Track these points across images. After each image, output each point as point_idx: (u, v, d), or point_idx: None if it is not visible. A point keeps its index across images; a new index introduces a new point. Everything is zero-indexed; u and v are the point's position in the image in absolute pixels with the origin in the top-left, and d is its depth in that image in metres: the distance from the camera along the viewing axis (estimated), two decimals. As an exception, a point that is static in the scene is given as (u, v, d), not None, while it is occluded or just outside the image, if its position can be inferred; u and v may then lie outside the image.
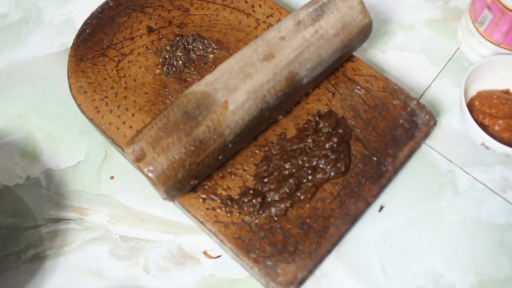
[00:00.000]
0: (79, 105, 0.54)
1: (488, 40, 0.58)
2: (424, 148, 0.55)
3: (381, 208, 0.50)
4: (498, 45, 0.58)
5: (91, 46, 0.57)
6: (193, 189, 0.48)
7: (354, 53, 0.59)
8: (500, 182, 0.54)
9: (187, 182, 0.45)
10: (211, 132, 0.44)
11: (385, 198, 0.52)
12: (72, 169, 0.55)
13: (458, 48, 0.63)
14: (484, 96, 0.57)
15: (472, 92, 0.58)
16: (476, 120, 0.55)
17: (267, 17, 0.58)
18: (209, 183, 0.49)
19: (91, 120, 0.53)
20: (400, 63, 0.62)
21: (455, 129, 0.57)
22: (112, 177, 0.54)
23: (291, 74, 0.47)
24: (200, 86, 0.46)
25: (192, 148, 0.43)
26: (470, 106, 0.56)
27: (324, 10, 0.50)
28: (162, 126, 0.44)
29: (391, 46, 0.63)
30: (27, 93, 0.60)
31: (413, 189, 0.53)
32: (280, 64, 0.47)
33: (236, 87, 0.45)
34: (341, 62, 0.54)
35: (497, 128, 0.54)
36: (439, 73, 0.61)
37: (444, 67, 0.62)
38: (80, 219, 0.52)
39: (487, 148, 0.54)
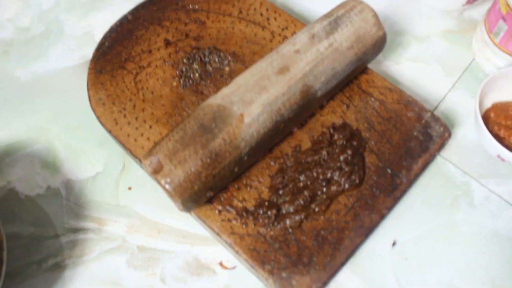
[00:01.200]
0: (98, 117, 0.55)
1: (503, 51, 0.58)
2: (439, 160, 0.55)
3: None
4: (514, 56, 0.58)
5: (110, 59, 0.59)
6: (209, 201, 0.49)
7: (369, 65, 0.60)
8: (516, 195, 0.54)
9: (203, 194, 0.46)
10: (227, 145, 0.44)
11: (399, 210, 0.52)
12: (91, 179, 0.56)
13: (473, 59, 0.63)
14: (500, 108, 0.56)
15: (488, 104, 0.57)
16: (491, 131, 0.55)
17: (282, 29, 0.59)
18: (225, 195, 0.49)
19: (109, 131, 0.54)
20: (415, 75, 0.62)
21: (471, 140, 0.57)
22: (130, 188, 0.55)
23: (305, 87, 0.48)
24: (216, 99, 0.47)
25: (208, 160, 0.44)
26: (486, 117, 0.56)
27: (338, 23, 0.50)
28: (179, 139, 0.45)
29: (406, 57, 0.64)
30: (48, 105, 0.61)
31: (427, 201, 0.53)
32: (295, 77, 0.47)
33: (251, 100, 0.46)
34: (356, 75, 0.54)
35: (511, 142, 0.54)
36: (454, 84, 0.61)
37: (459, 78, 0.62)
38: (98, 229, 0.53)
39: (503, 160, 0.53)
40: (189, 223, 0.53)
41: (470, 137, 0.57)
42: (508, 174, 0.55)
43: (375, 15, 0.51)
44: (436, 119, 0.53)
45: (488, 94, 0.57)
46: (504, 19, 0.55)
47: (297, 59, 0.48)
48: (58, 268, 0.51)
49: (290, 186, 0.48)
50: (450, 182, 0.54)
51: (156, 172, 0.44)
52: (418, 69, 0.63)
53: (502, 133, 0.55)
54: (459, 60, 0.63)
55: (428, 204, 0.53)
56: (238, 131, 0.45)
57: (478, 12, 0.67)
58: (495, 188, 0.54)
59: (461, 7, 0.64)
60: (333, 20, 0.50)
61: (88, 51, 0.65)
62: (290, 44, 0.50)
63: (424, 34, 0.66)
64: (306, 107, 0.49)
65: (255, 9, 0.61)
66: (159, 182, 0.44)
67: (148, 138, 0.53)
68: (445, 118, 0.59)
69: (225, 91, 0.47)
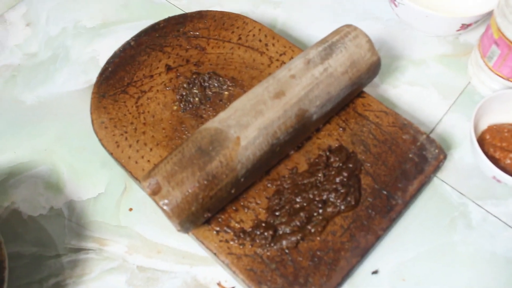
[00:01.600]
0: (100, 140, 0.56)
1: (497, 74, 0.59)
2: (435, 182, 0.56)
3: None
4: (508, 79, 0.59)
5: (113, 84, 0.60)
6: (207, 222, 0.50)
7: (366, 89, 0.61)
8: (513, 216, 0.54)
9: (200, 215, 0.47)
10: (223, 167, 0.45)
11: (397, 231, 0.53)
12: (93, 200, 0.57)
13: (469, 83, 0.64)
14: (495, 130, 0.57)
15: (483, 126, 0.58)
16: (487, 153, 0.56)
17: (280, 55, 0.61)
18: (222, 216, 0.50)
19: (111, 154, 0.55)
20: (412, 98, 0.63)
21: (467, 162, 0.58)
22: (130, 209, 0.56)
23: (301, 111, 0.49)
24: (214, 123, 0.48)
25: (205, 182, 0.45)
26: (481, 139, 0.57)
27: (333, 49, 0.52)
28: (177, 161, 0.46)
29: (403, 81, 0.65)
30: (53, 127, 0.63)
31: (425, 222, 0.54)
32: (290, 101, 0.49)
33: (248, 124, 0.47)
34: (351, 98, 0.55)
35: (508, 161, 0.55)
36: (450, 107, 0.62)
37: (455, 101, 0.63)
38: (99, 250, 0.54)
39: (499, 181, 0.54)
40: (188, 243, 0.54)
41: (466, 159, 0.58)
42: (505, 195, 0.55)
43: (369, 41, 0.52)
44: (431, 141, 0.53)
45: (483, 116, 0.58)
46: (497, 44, 0.56)
47: (293, 83, 0.49)
48: (59, 287, 0.52)
49: (287, 207, 0.49)
50: (447, 204, 0.55)
51: (154, 193, 0.45)
52: (415, 92, 0.64)
53: (497, 154, 0.55)
54: (455, 84, 0.65)
55: (425, 226, 0.54)
56: (235, 154, 0.46)
57: (473, 36, 0.68)
58: (492, 209, 0.55)
59: (455, 32, 0.65)
60: (328, 46, 0.52)
61: (93, 76, 0.67)
62: (286, 70, 0.51)
63: (420, 58, 0.67)
64: (302, 130, 0.50)
65: (254, 35, 0.63)
66: (157, 203, 0.45)
67: (149, 161, 0.54)
68: (442, 140, 0.59)
69: (222, 115, 0.49)
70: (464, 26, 0.64)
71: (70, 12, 0.75)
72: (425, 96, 0.64)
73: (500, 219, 0.54)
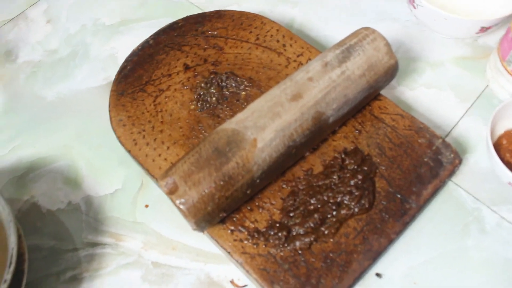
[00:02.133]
0: (118, 137, 0.57)
1: (516, 79, 0.59)
2: (450, 186, 0.56)
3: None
4: (527, 84, 0.58)
5: (132, 82, 0.61)
6: (222, 221, 0.51)
7: (382, 91, 0.61)
8: (528, 222, 0.54)
9: (216, 214, 0.47)
10: (240, 168, 0.46)
11: (410, 235, 0.53)
12: (110, 196, 0.58)
13: (487, 86, 0.64)
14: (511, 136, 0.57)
15: (500, 131, 0.58)
16: (503, 158, 0.56)
17: (298, 56, 0.61)
18: (237, 216, 0.51)
19: (129, 151, 0.56)
20: (429, 101, 0.63)
21: (483, 167, 0.58)
22: (146, 206, 0.57)
23: (317, 114, 0.49)
24: (231, 124, 0.49)
25: (221, 183, 0.46)
26: (498, 144, 0.57)
27: (350, 52, 0.52)
28: (194, 161, 0.47)
29: (420, 83, 0.65)
30: (72, 124, 0.64)
31: (438, 226, 0.54)
32: (307, 104, 0.49)
33: (265, 125, 0.48)
34: (368, 101, 0.55)
35: (524, 168, 0.54)
36: (467, 111, 0.62)
37: (472, 104, 0.63)
38: (115, 245, 0.55)
39: (515, 187, 0.54)
40: (203, 241, 0.54)
41: (482, 163, 0.58)
42: (521, 200, 0.55)
43: (387, 44, 0.52)
44: (447, 145, 0.53)
45: (501, 121, 0.58)
46: (517, 48, 0.56)
47: (310, 86, 0.50)
48: (76, 280, 0.53)
49: (301, 208, 0.50)
50: (461, 208, 0.55)
51: (171, 192, 0.46)
52: (432, 95, 0.64)
53: (514, 161, 0.55)
54: (473, 86, 0.64)
55: (439, 230, 0.54)
56: (251, 155, 0.46)
57: (493, 38, 0.68)
58: (507, 215, 0.55)
59: (474, 35, 0.65)
60: (346, 48, 0.52)
61: (112, 73, 0.68)
62: (303, 72, 0.51)
63: (438, 60, 0.67)
64: (318, 133, 0.50)
65: (271, 35, 0.63)
66: (174, 202, 0.46)
67: (166, 159, 0.55)
68: (458, 144, 0.59)
69: (239, 116, 0.49)
70: (484, 29, 0.64)
71: (89, 10, 0.76)
72: (442, 99, 0.63)
73: (515, 225, 0.54)
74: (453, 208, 0.55)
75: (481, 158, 0.58)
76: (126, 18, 0.75)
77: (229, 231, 0.50)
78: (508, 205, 0.55)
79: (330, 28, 0.71)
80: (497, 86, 0.63)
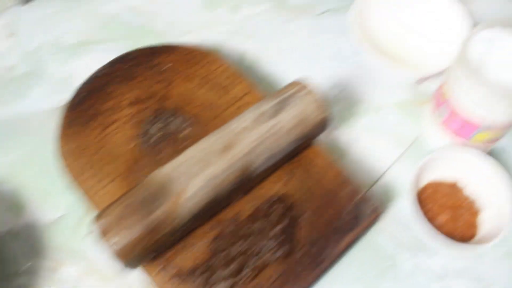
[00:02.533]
0: (66, 166, 0.60)
1: (445, 131, 0.62)
2: (372, 231, 0.60)
3: None
4: (455, 136, 0.62)
5: (83, 110, 0.64)
6: (154, 257, 0.54)
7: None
8: (443, 269, 0.58)
9: (146, 255, 0.51)
10: (165, 217, 0.49)
11: (328, 280, 0.56)
12: (53, 223, 0.60)
13: (421, 133, 0.67)
14: (434, 187, 0.61)
15: (424, 181, 0.62)
16: (425, 207, 0.59)
17: (243, 95, 0.64)
18: (169, 253, 0.54)
19: (74, 181, 0.59)
20: (365, 144, 0.66)
21: (406, 214, 0.62)
22: (89, 234, 0.60)
23: (246, 164, 0.53)
24: (166, 169, 0.52)
25: (149, 229, 0.49)
26: (420, 195, 0.61)
27: (285, 104, 0.55)
28: (128, 205, 0.50)
29: (359, 126, 0.68)
30: (20, 146, 0.65)
31: (356, 272, 0.57)
32: (237, 155, 0.52)
33: (196, 173, 0.51)
34: (299, 150, 0.59)
35: (441, 220, 0.59)
36: (400, 157, 0.66)
37: (405, 151, 0.66)
38: (53, 271, 0.57)
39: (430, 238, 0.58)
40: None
41: (405, 210, 0.62)
42: (437, 248, 0.59)
43: (317, 100, 0.55)
44: (368, 199, 0.57)
45: (426, 172, 0.61)
46: (447, 103, 0.59)
47: (242, 137, 0.53)
48: (9, 308, 0.55)
49: (225, 252, 0.53)
50: (380, 254, 0.59)
51: (103, 234, 0.49)
52: (370, 139, 0.67)
53: (433, 212, 0.59)
54: (409, 132, 0.67)
55: (356, 276, 0.57)
56: (177, 207, 0.50)
57: (435, 85, 0.71)
58: (423, 261, 0.59)
59: (414, 83, 0.68)
60: (280, 101, 0.55)
61: (65, 96, 0.67)
62: (240, 120, 0.55)
63: (380, 104, 0.70)
64: (246, 182, 0.54)
65: (221, 72, 0.66)
66: (104, 244, 0.49)
67: (109, 191, 0.58)
68: (385, 190, 0.63)
69: (174, 162, 0.52)
70: (423, 79, 0.67)
71: (53, 27, 0.77)
72: (379, 143, 0.66)
73: (432, 270, 0.58)
74: (371, 254, 0.58)
75: (405, 205, 0.62)
76: (87, 39, 0.76)
77: (159, 268, 0.53)
78: (425, 251, 0.59)
79: (281, 65, 0.73)
80: (430, 134, 0.66)
